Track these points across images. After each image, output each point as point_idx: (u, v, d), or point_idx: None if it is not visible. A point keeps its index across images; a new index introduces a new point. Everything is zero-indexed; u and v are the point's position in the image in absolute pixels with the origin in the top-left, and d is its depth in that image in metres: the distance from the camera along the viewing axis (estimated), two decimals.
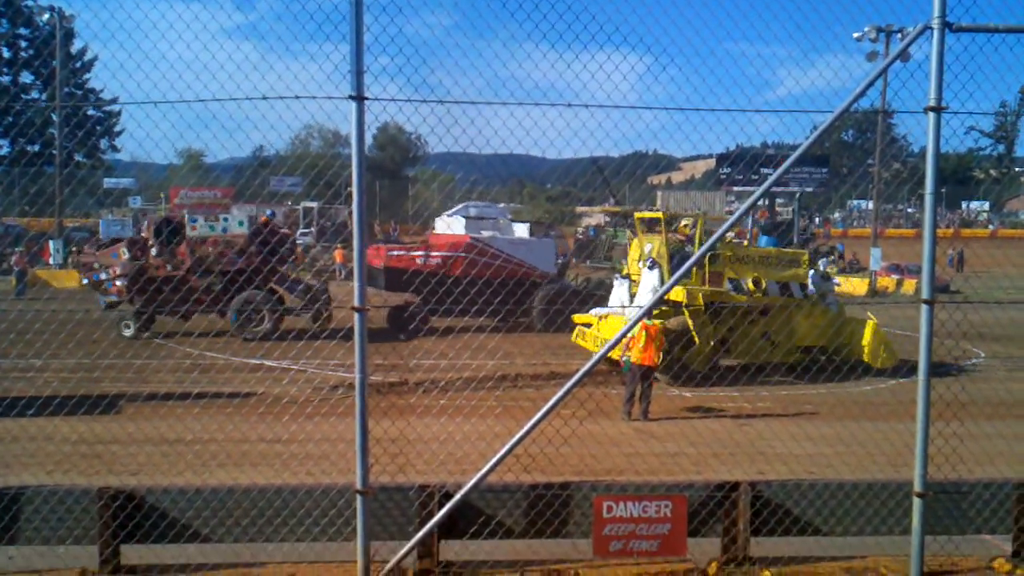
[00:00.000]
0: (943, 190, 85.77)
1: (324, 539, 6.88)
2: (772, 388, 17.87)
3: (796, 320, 19.90)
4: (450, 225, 28.49)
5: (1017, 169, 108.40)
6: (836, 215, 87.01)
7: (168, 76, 6.52)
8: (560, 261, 34.36)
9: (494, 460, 6.57)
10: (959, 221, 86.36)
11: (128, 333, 23.51)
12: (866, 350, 19.55)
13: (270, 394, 15.11)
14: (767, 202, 62.20)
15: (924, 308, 6.66)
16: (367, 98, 6.24)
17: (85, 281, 25.64)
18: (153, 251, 24.38)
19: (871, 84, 6.47)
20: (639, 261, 20.40)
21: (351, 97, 6.20)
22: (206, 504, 6.87)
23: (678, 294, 18.86)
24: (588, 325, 20.79)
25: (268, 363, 18.61)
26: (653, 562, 7.03)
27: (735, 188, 64.59)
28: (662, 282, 18.99)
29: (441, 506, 6.73)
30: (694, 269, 19.10)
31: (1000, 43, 6.63)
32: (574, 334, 21.06)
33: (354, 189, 6.31)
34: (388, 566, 6.67)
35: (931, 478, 6.89)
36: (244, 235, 26.74)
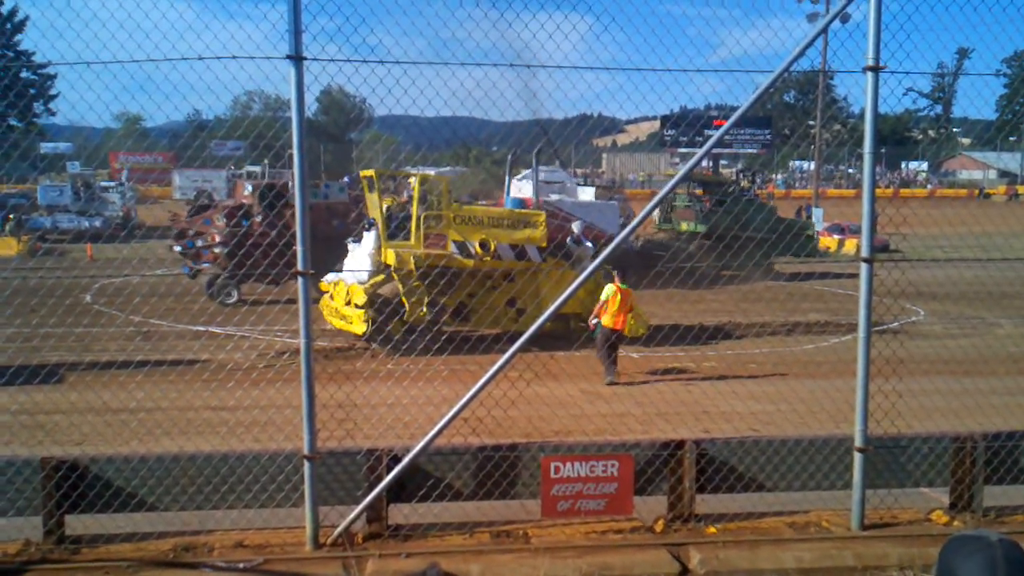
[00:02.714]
0: (883, 151, 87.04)
1: (272, 505, 6.84)
2: (718, 348, 18.07)
3: (546, 287, 18.55)
4: (520, 189, 28.63)
5: (955, 129, 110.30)
6: (778, 176, 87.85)
7: (101, 36, 6.32)
8: (622, 221, 34.82)
9: (442, 423, 6.58)
10: (899, 181, 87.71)
11: (231, 300, 23.37)
12: None
13: (215, 361, 14.96)
14: (710, 163, 62.56)
15: (863, 266, 6.77)
16: (305, 58, 6.14)
17: (177, 248, 24.88)
18: (258, 218, 23.83)
19: (810, 44, 6.51)
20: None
21: (289, 57, 6.10)
22: (151, 473, 6.79)
23: (390, 258, 17.93)
24: (327, 294, 19.24)
25: (213, 329, 18.38)
26: (600, 521, 7.10)
27: (679, 150, 64.81)
28: (378, 244, 18.20)
29: (389, 470, 6.73)
30: (413, 231, 18.28)
31: (936, 3, 6.71)
32: (320, 302, 19.21)
33: (294, 151, 6.22)
34: (337, 531, 6.66)
35: (871, 433, 7.04)
36: (343, 202, 26.29)
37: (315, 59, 6.22)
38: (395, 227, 18.68)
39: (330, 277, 18.88)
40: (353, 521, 6.68)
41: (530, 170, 26.91)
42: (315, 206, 23.37)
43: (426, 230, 18.33)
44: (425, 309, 17.35)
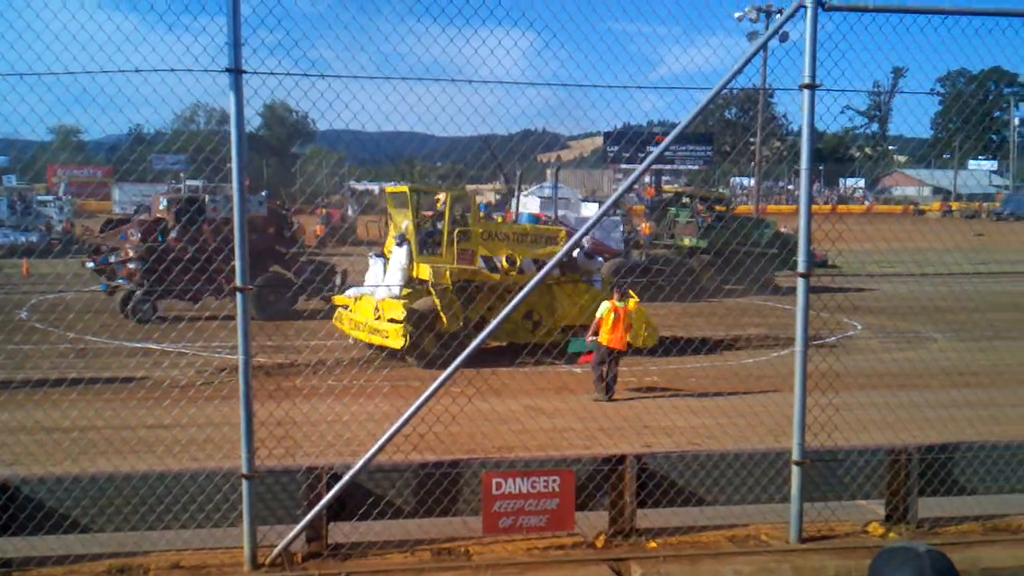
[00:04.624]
0: (821, 168, 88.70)
1: (209, 525, 6.72)
2: (659, 362, 18.19)
3: (559, 299, 19.47)
4: (526, 205, 28.89)
5: (890, 147, 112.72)
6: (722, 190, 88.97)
7: (35, 47, 6.19)
8: (629, 237, 35.12)
9: (383, 440, 6.53)
10: (836, 198, 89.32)
11: (150, 318, 22.41)
12: None
13: (152, 378, 14.71)
14: (652, 179, 63.19)
15: (800, 281, 6.86)
16: (245, 71, 6.08)
17: (90, 265, 24.12)
18: (174, 233, 23.24)
19: (748, 62, 6.60)
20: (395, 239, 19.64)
21: (228, 70, 6.03)
22: (85, 493, 6.64)
23: (424, 273, 18.51)
24: (346, 307, 19.93)
25: (151, 346, 18.08)
26: (542, 537, 7.09)
27: (622, 166, 65.36)
28: (410, 259, 18.68)
29: (329, 488, 6.65)
30: (444, 247, 18.96)
31: (870, 22, 6.84)
32: (335, 316, 20.01)
33: (233, 165, 6.16)
34: (276, 550, 6.57)
35: (809, 447, 7.12)
36: (262, 216, 25.52)
37: (255, 72, 6.16)
38: (422, 241, 19.22)
39: (351, 292, 19.86)
40: (292, 541, 6.59)
41: (537, 186, 27.36)
42: (230, 220, 23.04)
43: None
44: (460, 322, 17.94)
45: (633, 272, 26.70)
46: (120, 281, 23.58)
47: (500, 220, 25.57)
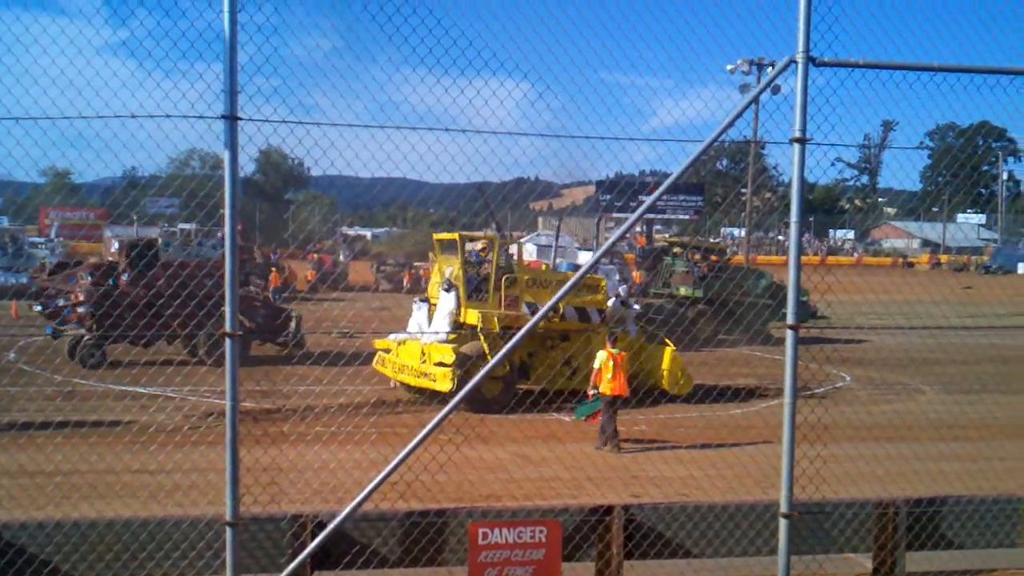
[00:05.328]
0: (811, 219, 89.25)
1: (192, 573, 6.66)
2: (647, 412, 18.15)
3: (595, 346, 19.15)
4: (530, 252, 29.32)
5: (880, 199, 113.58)
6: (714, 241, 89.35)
7: (32, 92, 6.24)
8: (625, 286, 35.13)
9: (369, 488, 6.49)
10: (826, 249, 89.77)
11: (99, 364, 21.69)
12: (665, 376, 19.50)
13: (139, 422, 14.61)
14: (644, 229, 63.56)
15: (789, 333, 6.88)
16: (240, 118, 6.13)
17: (39, 308, 23.89)
18: (125, 276, 22.75)
19: (739, 115, 6.69)
20: (440, 285, 20.06)
21: (224, 117, 6.08)
22: (67, 539, 6.58)
23: (473, 318, 18.93)
24: (388, 351, 20.21)
25: (139, 390, 17.99)
26: None
27: (614, 215, 65.79)
28: (458, 304, 19.07)
29: (314, 536, 6.60)
30: (491, 293, 19.53)
31: (861, 78, 6.94)
32: (375, 360, 20.29)
33: (226, 210, 6.18)
34: None
35: (796, 499, 7.10)
36: (217, 260, 25.30)
37: (250, 119, 6.22)
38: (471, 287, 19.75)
39: (394, 336, 20.16)
40: None
41: (533, 233, 27.62)
42: (184, 264, 22.84)
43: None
44: (507, 367, 18.22)
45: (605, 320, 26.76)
46: (70, 326, 23.07)
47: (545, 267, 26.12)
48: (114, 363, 20.87)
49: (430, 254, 21.98)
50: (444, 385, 17.76)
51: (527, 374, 19.48)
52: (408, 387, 19.53)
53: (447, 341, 18.65)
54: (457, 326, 19.09)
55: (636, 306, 22.63)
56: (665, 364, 19.60)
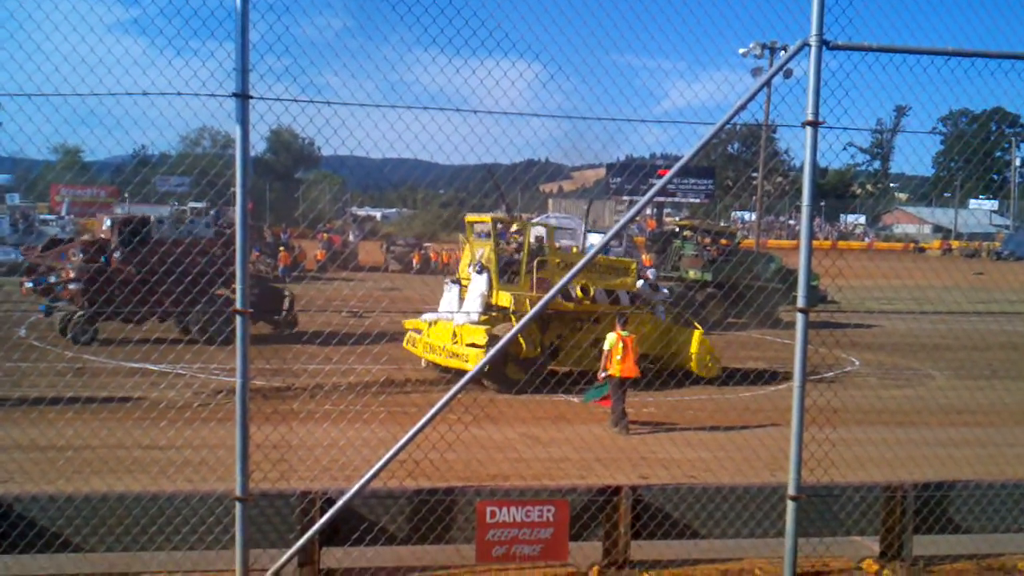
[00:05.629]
0: (823, 204, 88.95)
1: (202, 547, 6.71)
2: (656, 394, 18.16)
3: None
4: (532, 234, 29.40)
5: (892, 184, 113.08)
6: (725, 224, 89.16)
7: (44, 68, 6.25)
8: (654, 271, 35.21)
9: (378, 465, 6.51)
10: (837, 233, 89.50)
11: (89, 341, 21.89)
12: (693, 359, 19.70)
13: (149, 398, 14.69)
14: (654, 212, 63.46)
15: (799, 316, 6.87)
16: (251, 96, 6.13)
17: (29, 284, 23.79)
18: (116, 254, 22.77)
19: (752, 98, 6.65)
20: (469, 266, 20.27)
21: (235, 95, 6.08)
22: (78, 512, 6.63)
23: (505, 300, 19.06)
24: (419, 331, 20.53)
25: (149, 367, 18.05)
26: (536, 566, 7.07)
27: (624, 197, 65.65)
28: (489, 286, 19.20)
29: (323, 512, 6.64)
30: (522, 275, 19.66)
31: (874, 62, 6.89)
32: (405, 340, 20.68)
33: (237, 189, 6.19)
34: (267, 574, 6.55)
35: (804, 482, 7.11)
36: (212, 239, 24.56)
37: (261, 98, 6.21)
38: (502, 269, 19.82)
39: (427, 316, 20.33)
40: (284, 565, 6.56)
41: (543, 215, 27.62)
42: (177, 242, 22.77)
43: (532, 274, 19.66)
44: (538, 349, 18.77)
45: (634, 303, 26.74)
46: (60, 303, 23.13)
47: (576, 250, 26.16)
48: (124, 341, 20.94)
49: (460, 236, 21.99)
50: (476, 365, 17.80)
51: (557, 355, 19.62)
52: (437, 366, 19.84)
53: (479, 323, 18.80)
54: (488, 307, 19.22)
55: (665, 290, 22.68)
56: (694, 348, 19.83)
